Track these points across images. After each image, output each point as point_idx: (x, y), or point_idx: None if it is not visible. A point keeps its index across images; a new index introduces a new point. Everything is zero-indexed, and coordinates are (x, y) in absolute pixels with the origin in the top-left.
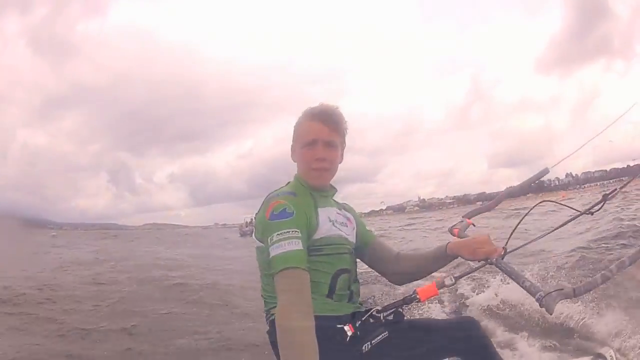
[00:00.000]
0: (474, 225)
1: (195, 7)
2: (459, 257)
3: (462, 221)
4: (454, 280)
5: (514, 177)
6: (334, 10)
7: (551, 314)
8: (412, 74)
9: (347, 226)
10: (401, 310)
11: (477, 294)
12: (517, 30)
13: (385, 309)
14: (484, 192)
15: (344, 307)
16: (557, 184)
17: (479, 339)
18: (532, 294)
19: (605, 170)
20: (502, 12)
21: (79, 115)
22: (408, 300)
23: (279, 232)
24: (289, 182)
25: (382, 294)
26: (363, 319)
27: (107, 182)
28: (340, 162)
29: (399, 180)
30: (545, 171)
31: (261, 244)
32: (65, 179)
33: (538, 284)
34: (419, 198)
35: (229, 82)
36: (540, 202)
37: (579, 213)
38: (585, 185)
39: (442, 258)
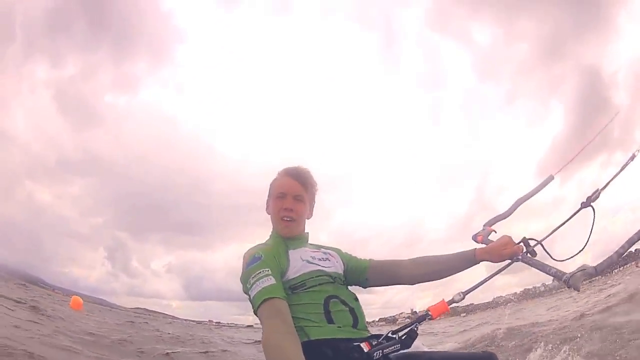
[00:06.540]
0: (495, 232)
1: (216, 102)
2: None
3: (484, 229)
4: (462, 295)
5: (512, 283)
6: (345, 113)
7: (578, 291)
8: (418, 183)
9: (328, 260)
10: (415, 329)
11: None
12: (520, 138)
13: (399, 329)
14: None
15: (349, 332)
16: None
17: None
18: (559, 278)
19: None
20: (508, 119)
21: (87, 185)
22: (421, 318)
23: (253, 276)
24: None
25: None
26: (380, 339)
27: (104, 257)
28: (308, 218)
29: (397, 290)
30: (550, 178)
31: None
32: (62, 243)
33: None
34: (411, 310)
35: (236, 181)
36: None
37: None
38: None
39: (466, 263)
